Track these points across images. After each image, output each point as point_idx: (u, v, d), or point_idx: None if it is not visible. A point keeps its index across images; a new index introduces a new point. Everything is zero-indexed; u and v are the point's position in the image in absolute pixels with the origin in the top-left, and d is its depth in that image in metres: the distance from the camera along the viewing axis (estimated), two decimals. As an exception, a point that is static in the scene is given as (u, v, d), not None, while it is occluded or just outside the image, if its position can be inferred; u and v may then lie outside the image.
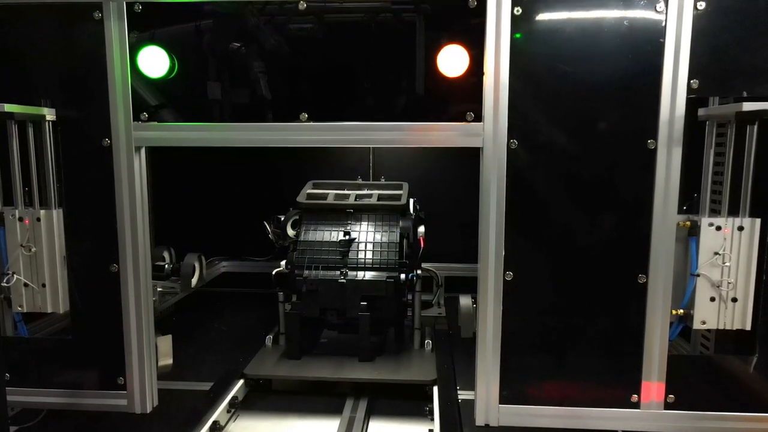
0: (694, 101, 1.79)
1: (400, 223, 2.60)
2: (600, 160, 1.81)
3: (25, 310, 1.96)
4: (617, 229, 1.83)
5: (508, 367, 1.90)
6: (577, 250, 1.85)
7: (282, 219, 2.65)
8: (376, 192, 2.78)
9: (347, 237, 2.50)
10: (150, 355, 2.03)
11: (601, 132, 1.79)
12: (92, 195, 1.94)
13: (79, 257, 1.97)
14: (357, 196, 2.73)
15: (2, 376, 1.66)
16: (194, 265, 2.89)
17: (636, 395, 1.88)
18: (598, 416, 1.90)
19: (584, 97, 1.78)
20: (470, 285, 3.10)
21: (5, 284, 1.81)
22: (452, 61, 1.79)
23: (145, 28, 1.87)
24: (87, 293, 1.99)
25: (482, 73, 1.79)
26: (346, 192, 2.78)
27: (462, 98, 1.82)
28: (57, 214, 1.93)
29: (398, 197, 2.73)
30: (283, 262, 2.55)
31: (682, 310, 1.88)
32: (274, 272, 2.60)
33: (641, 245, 1.82)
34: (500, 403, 1.92)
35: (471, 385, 2.17)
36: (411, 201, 2.72)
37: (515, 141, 1.80)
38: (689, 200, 1.90)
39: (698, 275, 1.83)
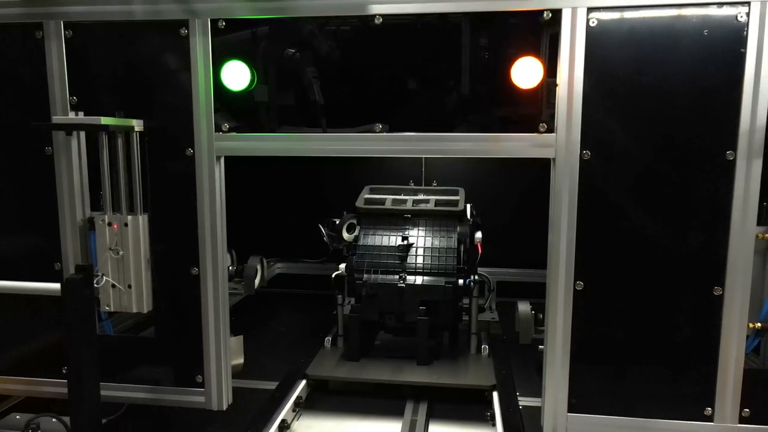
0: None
1: (458, 228, 2.61)
2: (676, 171, 1.78)
3: (112, 310, 2.04)
4: (693, 241, 1.80)
5: (576, 376, 1.90)
6: (650, 261, 1.83)
7: (338, 222, 2.70)
8: (432, 197, 2.79)
9: (406, 242, 2.52)
10: (226, 354, 2.10)
11: (678, 142, 1.77)
12: (175, 201, 2.01)
13: (163, 260, 2.05)
14: (414, 201, 2.75)
15: (97, 371, 1.76)
16: (257, 268, 2.98)
17: (710, 408, 1.85)
18: (669, 428, 1.88)
19: (660, 108, 1.76)
20: (520, 289, 3.23)
21: (96, 285, 1.88)
22: (526, 73, 1.81)
23: (228, 44, 1.93)
24: (169, 294, 2.06)
25: (556, 85, 1.79)
26: (403, 197, 2.80)
27: (535, 109, 1.83)
28: (143, 220, 2.01)
29: (455, 203, 2.74)
30: (342, 266, 2.60)
31: (759, 324, 1.85)
32: (333, 275, 2.66)
33: (718, 257, 1.79)
34: (569, 411, 1.93)
35: (531, 392, 2.21)
36: (468, 206, 2.73)
37: (588, 151, 1.80)
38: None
39: (778, 288, 1.80)
